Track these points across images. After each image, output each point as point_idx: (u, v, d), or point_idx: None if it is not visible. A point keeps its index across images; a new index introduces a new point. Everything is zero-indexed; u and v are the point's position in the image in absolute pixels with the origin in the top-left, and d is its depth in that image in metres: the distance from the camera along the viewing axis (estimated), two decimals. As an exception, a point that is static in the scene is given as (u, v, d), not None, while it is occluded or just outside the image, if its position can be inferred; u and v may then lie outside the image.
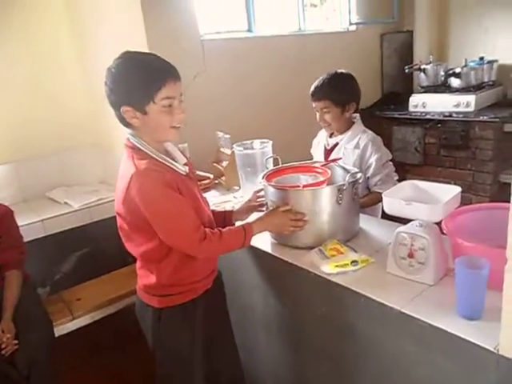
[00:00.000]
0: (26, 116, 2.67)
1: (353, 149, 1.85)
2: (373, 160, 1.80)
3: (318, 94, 1.83)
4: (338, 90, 1.81)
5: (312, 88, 1.85)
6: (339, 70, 1.87)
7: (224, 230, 1.35)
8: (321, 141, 2.03)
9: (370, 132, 1.89)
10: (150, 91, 1.25)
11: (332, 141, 1.94)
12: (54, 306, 2.05)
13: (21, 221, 2.04)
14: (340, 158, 1.72)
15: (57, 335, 1.95)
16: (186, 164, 1.39)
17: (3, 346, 1.71)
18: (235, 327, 1.61)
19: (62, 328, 1.98)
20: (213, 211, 1.52)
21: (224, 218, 1.54)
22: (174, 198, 1.26)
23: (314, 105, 1.87)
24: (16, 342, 1.74)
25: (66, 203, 2.55)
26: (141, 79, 1.25)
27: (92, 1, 2.58)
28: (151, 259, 1.35)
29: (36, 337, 1.80)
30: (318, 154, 2.03)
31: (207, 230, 1.30)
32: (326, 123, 1.87)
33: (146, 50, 2.28)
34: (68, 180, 2.82)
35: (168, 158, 1.33)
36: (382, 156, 1.81)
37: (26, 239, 2.03)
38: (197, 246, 1.28)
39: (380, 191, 1.77)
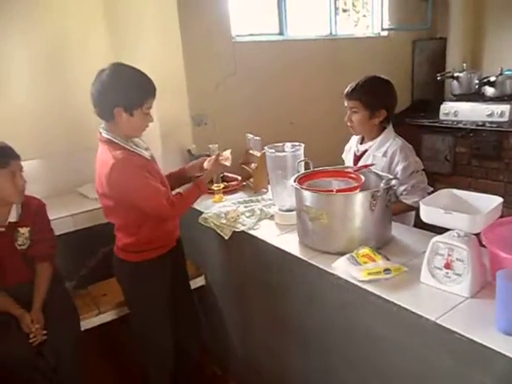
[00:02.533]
0: (59, 111, 2.72)
1: (381, 156, 1.81)
2: (398, 169, 1.76)
3: (350, 94, 1.82)
4: (370, 93, 1.79)
5: (347, 87, 1.84)
6: (378, 75, 1.84)
7: (182, 191, 1.71)
8: (352, 146, 2.00)
9: (400, 140, 1.84)
10: (141, 100, 1.57)
11: (362, 147, 1.91)
12: (81, 300, 2.07)
13: (51, 215, 2.06)
14: (373, 164, 1.69)
15: (82, 329, 1.97)
16: (147, 148, 1.71)
17: (31, 335, 1.74)
18: (259, 328, 1.59)
19: (87, 322, 1.99)
20: (170, 173, 1.90)
21: (180, 175, 1.91)
22: (147, 178, 1.58)
23: (345, 104, 1.86)
24: (44, 332, 1.77)
25: (96, 199, 2.58)
26: (137, 88, 1.56)
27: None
28: (132, 225, 1.69)
29: (64, 329, 1.82)
30: (348, 159, 2.01)
31: (172, 196, 1.64)
32: (351, 123, 1.85)
33: (181, 50, 2.32)
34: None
35: (135, 147, 1.64)
36: (409, 165, 1.76)
37: (55, 233, 2.06)
38: (169, 209, 1.60)
39: (405, 201, 1.75)
